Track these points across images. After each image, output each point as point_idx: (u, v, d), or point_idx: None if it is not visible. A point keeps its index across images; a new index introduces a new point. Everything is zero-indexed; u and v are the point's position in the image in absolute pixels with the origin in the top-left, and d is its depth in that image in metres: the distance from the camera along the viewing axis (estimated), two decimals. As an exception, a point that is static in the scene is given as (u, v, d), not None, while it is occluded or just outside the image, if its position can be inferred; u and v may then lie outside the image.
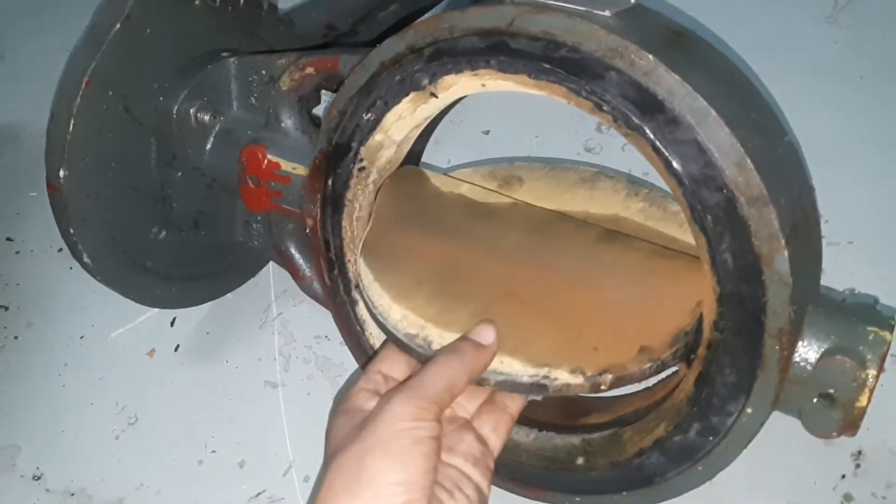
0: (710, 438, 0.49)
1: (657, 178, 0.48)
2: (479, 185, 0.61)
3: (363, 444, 0.44)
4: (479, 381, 0.48)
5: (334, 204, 0.59)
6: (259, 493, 0.65)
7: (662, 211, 0.60)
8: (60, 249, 0.83)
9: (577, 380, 0.47)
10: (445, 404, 0.46)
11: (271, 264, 0.78)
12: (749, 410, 0.48)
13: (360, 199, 0.59)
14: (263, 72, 0.63)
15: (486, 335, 0.48)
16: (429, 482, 0.43)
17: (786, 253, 0.44)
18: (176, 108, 0.63)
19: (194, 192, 0.66)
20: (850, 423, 0.46)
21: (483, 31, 0.49)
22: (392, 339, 0.51)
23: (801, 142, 0.81)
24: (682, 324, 0.50)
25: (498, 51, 0.49)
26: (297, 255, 0.67)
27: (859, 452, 0.64)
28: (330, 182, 0.59)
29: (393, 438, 0.43)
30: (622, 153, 0.86)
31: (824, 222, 0.79)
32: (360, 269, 0.55)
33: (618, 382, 0.48)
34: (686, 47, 0.48)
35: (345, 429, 0.46)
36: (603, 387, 0.48)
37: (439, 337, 0.50)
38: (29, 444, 0.70)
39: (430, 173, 0.62)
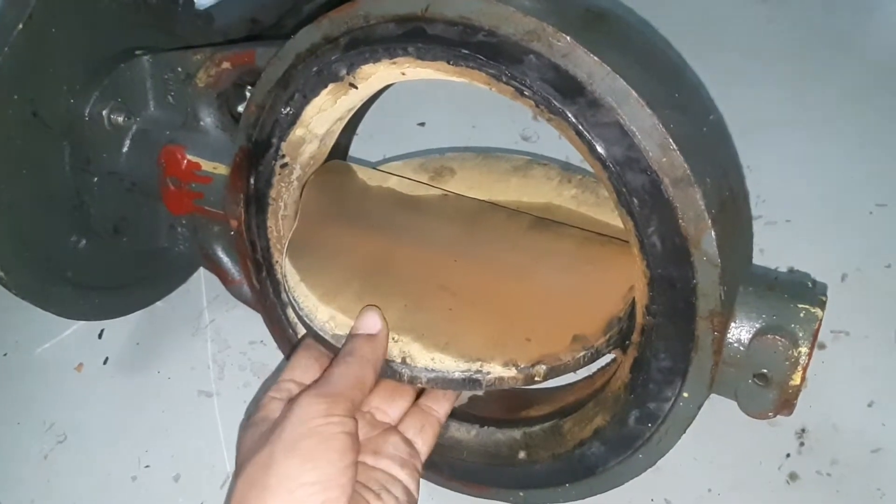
0: (649, 425, 0.48)
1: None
2: (409, 178, 0.59)
3: (270, 448, 0.42)
4: (411, 380, 0.47)
5: (258, 203, 0.57)
6: (195, 506, 0.63)
7: (595, 196, 0.59)
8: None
9: (510, 372, 0.46)
10: (357, 400, 0.45)
11: (202, 269, 0.76)
12: (686, 395, 0.47)
13: (285, 197, 0.57)
14: (179, 69, 0.61)
15: (372, 324, 0.47)
16: (347, 479, 0.41)
17: (713, 233, 0.43)
18: (88, 110, 0.60)
19: (113, 197, 0.64)
20: (786, 403, 0.46)
21: (399, 17, 0.48)
22: (319, 342, 0.49)
23: (736, 121, 0.82)
24: (615, 310, 0.49)
25: (415, 37, 0.47)
26: (224, 259, 0.65)
27: (803, 430, 0.64)
28: (252, 180, 0.57)
29: (301, 438, 0.42)
30: (560, 141, 0.85)
31: (762, 202, 0.79)
32: (286, 269, 0.53)
33: (552, 373, 0.46)
34: (606, 28, 0.47)
35: (253, 438, 0.44)
36: (537, 378, 0.46)
37: (367, 335, 0.48)
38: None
39: (357, 167, 0.60)
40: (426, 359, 0.47)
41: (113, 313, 0.70)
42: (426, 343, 0.47)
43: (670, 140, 0.43)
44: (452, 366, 0.46)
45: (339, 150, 0.60)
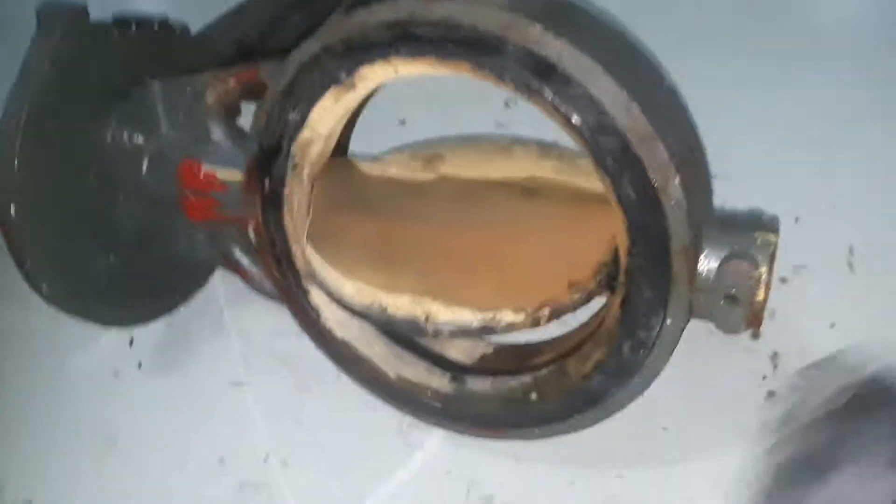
0: (641, 352, 0.56)
1: (565, 141, 0.55)
2: (406, 166, 0.66)
3: None
4: (435, 334, 0.54)
5: (273, 202, 0.64)
6: (242, 484, 0.69)
7: (572, 166, 0.66)
8: None
9: (520, 317, 0.53)
10: None
11: (218, 271, 0.82)
12: (668, 322, 0.55)
13: (298, 194, 0.64)
14: (188, 90, 0.67)
15: None
16: None
17: (677, 180, 0.51)
18: (109, 135, 0.66)
19: (136, 212, 0.70)
20: (755, 317, 0.54)
21: (389, 23, 0.55)
22: (351, 312, 0.56)
23: (685, 89, 0.90)
24: (602, 256, 0.56)
25: (404, 39, 0.55)
26: (243, 258, 0.72)
27: (775, 354, 0.72)
28: (266, 182, 0.64)
29: None
30: (532, 124, 0.92)
31: (717, 161, 0.87)
32: (310, 256, 0.60)
33: (554, 314, 0.54)
34: (570, 16, 0.55)
35: None
36: (542, 321, 0.54)
37: (392, 302, 0.55)
38: (13, 475, 0.72)
39: (358, 161, 0.67)
40: (446, 314, 0.54)
41: (145, 319, 0.76)
42: (444, 301, 0.54)
43: (634, 104, 0.51)
44: (470, 317, 0.54)
45: (341, 148, 0.67)
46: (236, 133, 0.68)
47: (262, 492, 0.69)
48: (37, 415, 0.76)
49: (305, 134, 0.61)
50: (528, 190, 0.62)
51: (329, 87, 0.58)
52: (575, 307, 0.55)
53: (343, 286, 0.57)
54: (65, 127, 0.64)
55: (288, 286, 0.67)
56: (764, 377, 0.71)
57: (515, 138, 0.70)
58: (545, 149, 0.68)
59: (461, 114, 0.98)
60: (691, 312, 0.54)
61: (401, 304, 0.55)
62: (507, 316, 0.53)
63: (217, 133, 0.67)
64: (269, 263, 0.67)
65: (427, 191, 0.63)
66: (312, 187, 0.64)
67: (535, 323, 0.53)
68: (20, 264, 0.62)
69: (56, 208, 0.64)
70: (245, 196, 0.65)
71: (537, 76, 0.52)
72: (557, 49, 0.51)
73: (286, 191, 0.63)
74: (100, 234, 0.69)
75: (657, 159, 0.51)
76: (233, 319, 0.80)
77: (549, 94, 0.52)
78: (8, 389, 0.78)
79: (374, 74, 0.57)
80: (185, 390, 0.76)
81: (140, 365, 0.78)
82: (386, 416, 0.69)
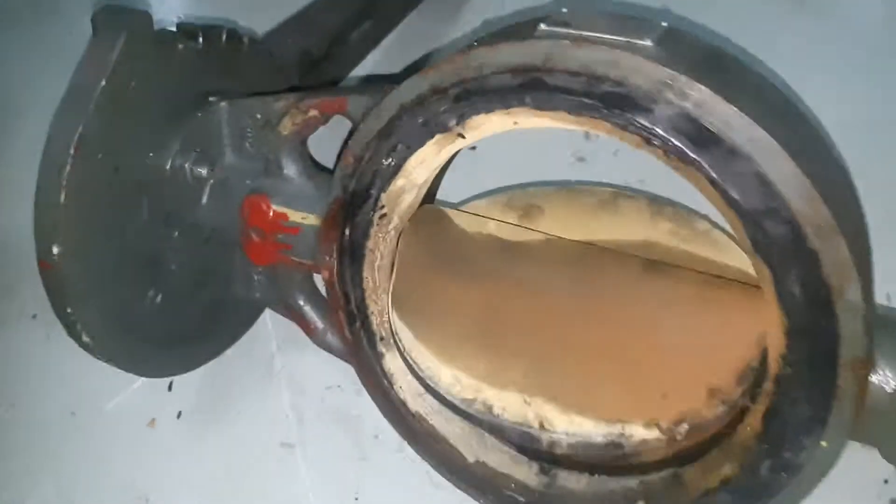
0: (783, 475, 0.47)
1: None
2: (503, 221, 0.58)
3: None
4: (550, 446, 0.45)
5: (353, 254, 0.56)
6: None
7: (691, 231, 0.58)
8: (34, 316, 0.78)
9: (653, 433, 0.45)
10: None
11: (268, 311, 0.74)
12: (823, 444, 0.46)
13: (382, 248, 0.56)
14: (259, 115, 0.59)
15: None
16: None
17: (858, 283, 0.42)
18: (169, 163, 0.58)
19: (192, 250, 0.62)
20: (933, 449, 0.45)
21: (516, 67, 0.46)
22: (448, 406, 0.48)
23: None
24: (748, 358, 0.48)
25: (534, 88, 0.46)
26: (307, 308, 0.63)
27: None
28: (347, 231, 0.55)
29: None
30: (614, 160, 0.84)
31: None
32: (395, 325, 0.52)
33: (694, 431, 0.45)
34: (727, 69, 0.46)
35: None
36: (678, 437, 0.45)
37: (497, 399, 0.47)
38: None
39: (450, 211, 0.59)
40: (564, 422, 0.45)
41: (189, 366, 0.68)
42: (561, 405, 0.46)
43: (814, 190, 0.42)
44: (593, 429, 0.45)
45: (430, 194, 0.59)
46: (312, 169, 0.59)
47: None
48: (63, 463, 0.68)
49: (399, 182, 0.53)
50: (652, 265, 0.53)
51: (434, 134, 0.50)
52: (718, 424, 0.46)
53: (439, 372, 0.48)
54: (120, 153, 0.55)
55: (359, 347, 0.59)
56: (886, 481, 0.62)
57: (617, 191, 0.62)
58: (657, 207, 0.60)
59: (536, 143, 0.89)
60: (852, 435, 0.46)
61: (509, 403, 0.46)
62: (638, 431, 0.45)
63: (291, 168, 0.59)
64: (340, 319, 0.59)
65: (533, 255, 0.55)
66: (399, 240, 0.56)
67: (671, 443, 0.45)
68: (60, 310, 0.54)
69: (103, 247, 0.56)
70: (320, 243, 0.57)
71: (694, 145, 0.43)
72: (724, 115, 0.42)
73: (370, 243, 0.55)
74: (147, 273, 0.61)
75: (837, 256, 0.42)
76: (284, 367, 0.71)
77: (707, 167, 0.43)
78: (32, 432, 0.70)
79: (489, 124, 0.49)
80: (228, 446, 0.67)
81: (180, 414, 0.69)
82: (455, 498, 0.61)
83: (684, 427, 0.45)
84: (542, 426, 0.45)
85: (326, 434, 0.67)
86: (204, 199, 0.60)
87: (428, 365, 0.49)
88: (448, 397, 0.47)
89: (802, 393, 0.45)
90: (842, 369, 0.44)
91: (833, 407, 0.45)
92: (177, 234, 0.60)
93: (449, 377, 0.48)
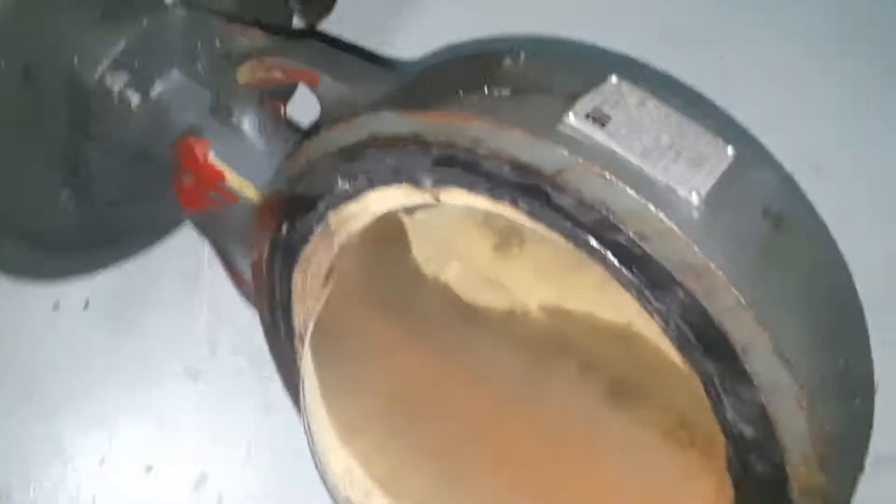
0: None
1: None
2: (471, 270, 0.48)
3: None
4: None
5: (287, 252, 0.47)
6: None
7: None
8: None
9: None
10: None
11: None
12: None
13: (320, 258, 0.47)
14: (218, 43, 0.47)
15: None
16: None
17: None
18: (94, 79, 0.47)
19: (116, 165, 0.52)
20: None
21: (520, 165, 0.35)
22: (332, 497, 0.42)
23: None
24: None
25: (533, 196, 0.35)
26: (239, 258, 0.55)
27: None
28: (285, 229, 0.46)
29: None
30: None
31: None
32: (305, 368, 0.44)
33: None
34: (783, 251, 0.35)
35: None
36: None
37: (388, 511, 0.41)
38: None
39: (411, 230, 0.48)
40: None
41: (90, 270, 0.60)
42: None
43: (816, 453, 0.34)
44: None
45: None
46: (272, 127, 0.48)
47: None
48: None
49: (353, 208, 0.43)
50: (618, 390, 0.45)
51: (402, 183, 0.39)
52: None
53: (332, 455, 0.42)
54: (31, 55, 0.44)
55: (277, 333, 0.52)
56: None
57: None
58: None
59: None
60: None
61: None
62: None
63: (244, 120, 0.48)
64: (262, 302, 0.51)
65: (489, 328, 0.46)
66: (342, 254, 0.47)
67: None
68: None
69: (10, 145, 0.46)
70: (255, 222, 0.48)
71: (704, 349, 0.34)
72: (750, 337, 0.33)
73: (307, 250, 0.46)
74: (63, 177, 0.51)
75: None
76: (211, 285, 0.64)
77: (711, 376, 0.34)
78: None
79: (470, 200, 0.38)
80: (127, 353, 0.62)
81: (87, 304, 0.63)
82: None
83: None
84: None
85: (234, 373, 0.62)
86: (133, 123, 0.49)
87: (324, 440, 0.42)
88: (332, 488, 0.41)
89: None
90: None
91: None
92: (100, 148, 0.50)
93: (341, 465, 0.41)
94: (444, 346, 0.45)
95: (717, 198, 0.34)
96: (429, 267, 0.48)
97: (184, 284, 0.64)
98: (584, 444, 0.43)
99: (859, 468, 0.38)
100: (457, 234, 0.49)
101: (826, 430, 0.34)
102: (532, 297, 0.48)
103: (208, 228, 0.55)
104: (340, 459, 0.42)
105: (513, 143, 0.35)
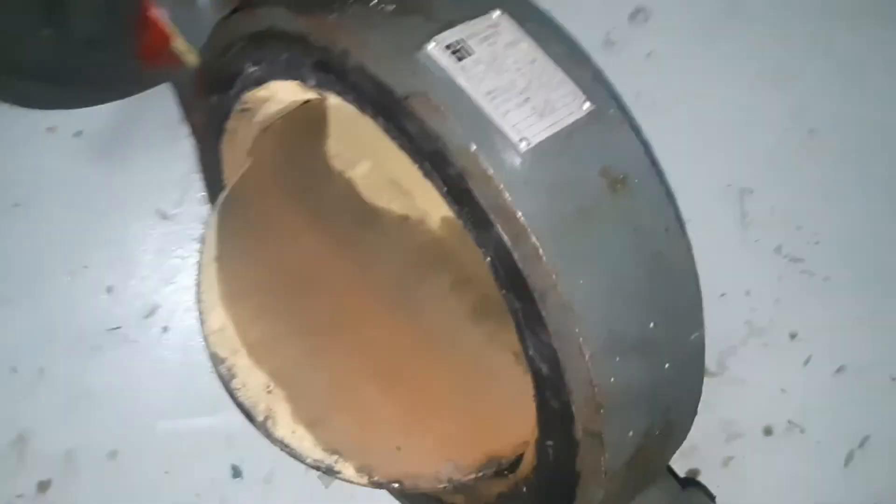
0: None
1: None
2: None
3: None
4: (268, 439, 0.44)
5: (216, 123, 0.50)
6: (115, 328, 0.65)
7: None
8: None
9: (362, 480, 0.44)
10: None
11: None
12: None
13: (243, 133, 0.49)
14: None
15: None
16: None
17: (601, 490, 0.38)
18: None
19: (95, 8, 0.55)
20: None
21: (377, 82, 0.36)
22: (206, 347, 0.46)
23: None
24: (499, 452, 0.45)
25: (387, 116, 0.37)
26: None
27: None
28: (214, 100, 0.49)
29: None
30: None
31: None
32: (208, 229, 0.48)
33: (403, 491, 0.45)
34: (609, 212, 0.36)
35: None
36: (388, 490, 0.45)
37: (245, 372, 0.45)
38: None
39: (334, 128, 0.50)
40: (286, 430, 0.44)
41: (78, 105, 0.64)
42: (296, 410, 0.44)
43: (597, 401, 0.36)
44: (308, 450, 0.44)
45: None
46: (223, 4, 0.50)
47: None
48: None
49: (262, 93, 0.45)
50: (484, 306, 0.47)
51: (295, 79, 0.41)
52: (434, 492, 0.45)
53: (211, 310, 0.45)
54: None
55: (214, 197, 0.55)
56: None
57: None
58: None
59: None
60: None
61: (252, 382, 0.44)
62: (348, 471, 0.43)
63: (198, -11, 0.50)
64: (204, 166, 0.55)
65: (381, 231, 0.48)
66: (262, 133, 0.49)
67: (376, 488, 0.44)
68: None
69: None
70: (196, 87, 0.51)
71: (511, 287, 0.36)
72: (544, 286, 0.35)
73: (229, 124, 0.49)
74: (45, 14, 0.55)
75: (593, 458, 0.38)
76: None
77: (517, 312, 0.37)
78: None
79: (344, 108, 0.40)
80: (108, 187, 0.67)
81: (79, 133, 0.68)
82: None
83: (395, 486, 0.44)
84: (265, 420, 0.44)
85: (200, 220, 0.66)
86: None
87: (208, 297, 0.46)
88: (203, 339, 0.46)
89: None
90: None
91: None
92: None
93: (217, 322, 0.45)
94: (337, 240, 0.48)
95: (550, 149, 0.35)
96: (339, 161, 0.50)
97: (171, 132, 0.68)
98: (440, 353, 0.46)
99: (666, 432, 0.39)
100: (373, 133, 0.51)
101: (612, 381, 0.36)
102: (435, 208, 0.50)
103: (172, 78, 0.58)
104: (219, 317, 0.46)
105: (372, 60, 0.36)
